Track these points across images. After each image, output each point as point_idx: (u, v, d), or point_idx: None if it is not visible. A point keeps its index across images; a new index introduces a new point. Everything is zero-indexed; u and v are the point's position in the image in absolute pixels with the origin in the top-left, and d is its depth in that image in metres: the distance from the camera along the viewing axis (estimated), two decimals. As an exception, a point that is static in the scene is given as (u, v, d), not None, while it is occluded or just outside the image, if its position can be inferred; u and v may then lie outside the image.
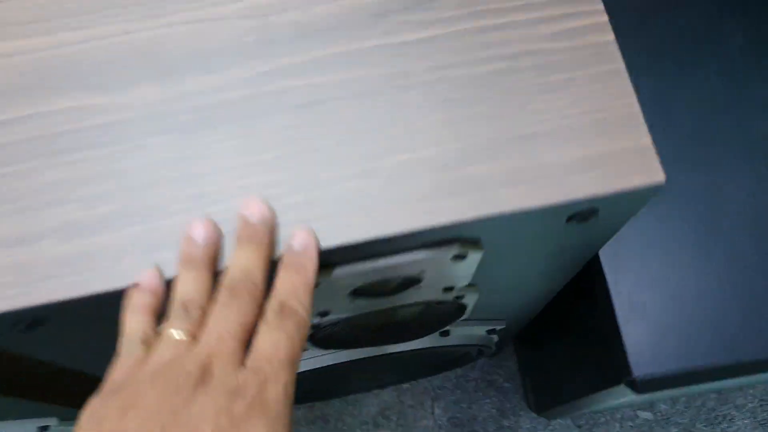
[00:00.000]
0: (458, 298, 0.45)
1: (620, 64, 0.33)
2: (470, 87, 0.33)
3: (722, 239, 0.49)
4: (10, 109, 0.33)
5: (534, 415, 0.82)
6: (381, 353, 0.56)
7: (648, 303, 0.48)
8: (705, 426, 0.82)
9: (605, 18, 0.34)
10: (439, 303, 0.46)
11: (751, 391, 0.82)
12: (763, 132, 0.51)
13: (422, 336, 0.54)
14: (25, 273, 0.30)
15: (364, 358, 0.56)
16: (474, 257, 0.35)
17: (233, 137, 0.32)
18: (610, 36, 0.34)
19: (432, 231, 0.31)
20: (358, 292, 0.38)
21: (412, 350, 0.57)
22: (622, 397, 0.54)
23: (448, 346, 0.59)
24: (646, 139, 0.32)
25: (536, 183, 0.31)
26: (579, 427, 0.82)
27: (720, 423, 0.82)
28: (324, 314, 0.42)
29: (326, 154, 0.32)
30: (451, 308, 0.48)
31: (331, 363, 0.56)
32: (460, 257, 0.35)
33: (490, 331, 0.61)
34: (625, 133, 0.32)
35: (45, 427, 0.59)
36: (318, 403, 0.83)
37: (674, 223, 0.49)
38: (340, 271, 0.34)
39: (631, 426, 0.82)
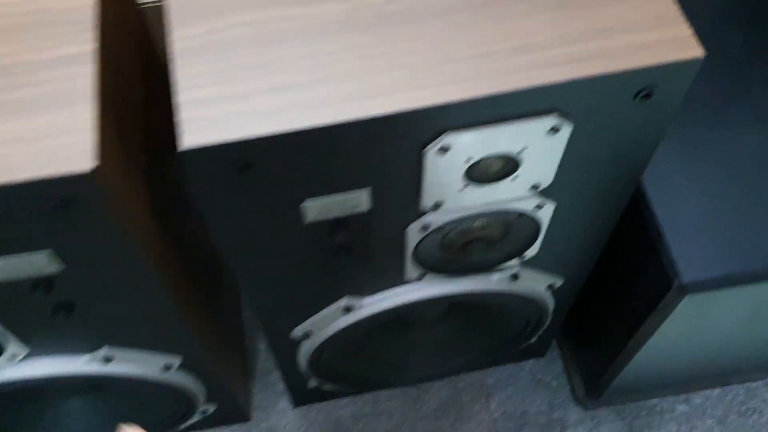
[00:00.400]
0: (538, 207, 0.56)
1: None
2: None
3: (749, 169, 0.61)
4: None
5: (581, 408, 0.90)
6: (454, 291, 0.66)
7: (690, 218, 0.59)
8: (738, 417, 0.89)
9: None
10: (520, 216, 0.57)
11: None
12: None
13: (501, 260, 0.64)
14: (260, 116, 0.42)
15: (436, 298, 0.66)
16: (565, 131, 0.47)
17: (403, 36, 0.46)
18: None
19: (540, 91, 0.44)
20: (468, 175, 0.50)
21: (483, 291, 0.67)
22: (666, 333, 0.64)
23: (514, 295, 0.69)
24: (686, 31, 0.45)
25: (614, 57, 0.44)
26: (623, 419, 0.89)
27: (751, 415, 0.89)
28: (437, 206, 0.53)
29: (460, 43, 0.45)
30: (527, 228, 0.59)
31: (408, 301, 0.66)
32: (555, 130, 0.47)
33: (549, 287, 0.71)
34: (669, 27, 0.45)
35: (168, 366, 0.68)
36: (384, 398, 0.91)
37: (707, 155, 0.62)
38: (458, 137, 0.46)
39: (669, 418, 0.89)
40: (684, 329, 0.66)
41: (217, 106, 0.43)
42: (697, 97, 0.65)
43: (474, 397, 0.91)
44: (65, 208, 0.43)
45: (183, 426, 0.83)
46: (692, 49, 0.44)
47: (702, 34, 0.68)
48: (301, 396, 0.87)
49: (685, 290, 0.58)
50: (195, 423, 0.84)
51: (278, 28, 0.46)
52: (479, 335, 0.81)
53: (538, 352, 0.92)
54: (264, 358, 0.93)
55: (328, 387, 0.84)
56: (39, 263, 0.49)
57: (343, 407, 0.90)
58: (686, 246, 0.58)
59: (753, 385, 0.91)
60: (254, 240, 0.53)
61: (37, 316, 0.55)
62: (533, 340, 0.84)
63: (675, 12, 0.46)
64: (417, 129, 0.45)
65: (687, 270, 0.58)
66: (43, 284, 0.51)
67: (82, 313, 0.56)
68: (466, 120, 0.45)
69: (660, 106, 0.48)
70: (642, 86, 0.46)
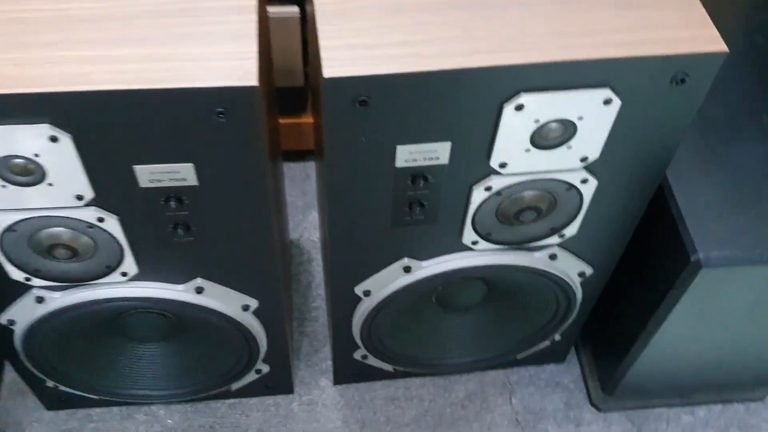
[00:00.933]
0: (584, 181, 0.68)
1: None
2: None
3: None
4: None
5: (595, 410, 0.98)
6: (501, 262, 0.76)
7: (706, 204, 0.71)
8: (738, 430, 0.98)
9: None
10: (568, 189, 0.68)
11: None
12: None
13: (545, 235, 0.75)
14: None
15: (485, 266, 0.77)
16: (615, 105, 0.59)
17: (494, 16, 0.58)
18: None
19: (598, 64, 0.56)
20: (532, 139, 0.62)
21: (525, 266, 0.77)
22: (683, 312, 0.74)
23: (549, 276, 0.79)
24: (714, 32, 0.58)
25: (657, 45, 0.57)
26: (632, 422, 0.98)
27: (750, 429, 0.98)
28: (503, 166, 0.65)
29: (538, 24, 0.58)
30: (572, 202, 0.70)
31: (460, 267, 0.76)
32: (607, 102, 0.59)
33: (581, 275, 0.82)
34: (702, 28, 0.58)
35: (246, 307, 0.78)
36: (416, 385, 0.99)
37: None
38: (532, 97, 0.58)
39: (675, 425, 0.98)
40: (698, 309, 0.76)
41: (347, 51, 0.55)
42: (716, 103, 0.78)
43: (498, 391, 0.99)
44: (226, 116, 0.55)
45: (238, 385, 0.92)
46: (718, 45, 0.57)
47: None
48: (343, 372, 0.96)
49: (700, 265, 0.69)
50: (245, 387, 0.93)
51: (400, 3, 0.59)
52: (512, 324, 0.91)
53: (558, 356, 1.01)
54: (307, 341, 1.03)
55: (371, 361, 0.93)
56: (181, 175, 0.60)
57: (378, 389, 0.99)
58: (703, 227, 0.70)
59: (753, 405, 1.00)
60: (355, 179, 0.64)
61: (157, 231, 0.66)
62: (558, 336, 0.93)
63: (707, 19, 0.59)
64: (499, 84, 0.57)
65: (703, 247, 0.69)
66: (176, 197, 0.62)
67: (195, 237, 0.67)
68: (539, 83, 0.57)
69: (690, 92, 0.60)
70: (677, 71, 0.58)
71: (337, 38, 0.56)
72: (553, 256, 0.78)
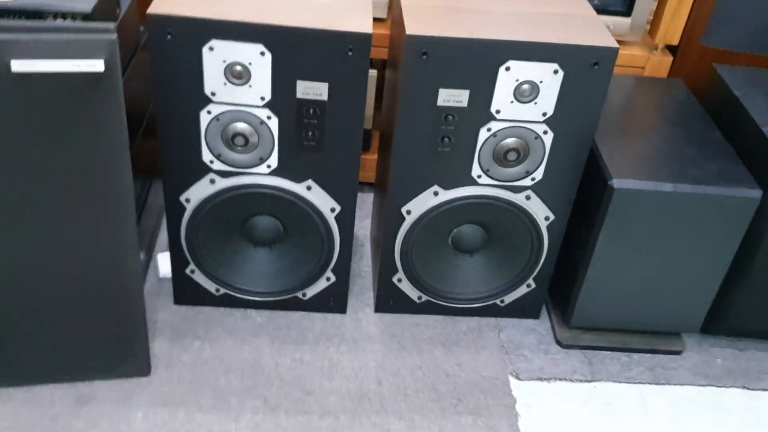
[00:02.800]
0: (545, 132, 1.16)
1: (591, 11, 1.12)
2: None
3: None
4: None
5: (560, 347, 1.37)
6: (496, 194, 1.22)
7: (622, 154, 1.18)
8: (663, 370, 1.35)
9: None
10: (536, 138, 1.16)
11: None
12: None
13: (523, 175, 1.21)
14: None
15: (486, 196, 1.22)
16: (560, 74, 1.09)
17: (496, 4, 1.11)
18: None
19: (551, 46, 1.07)
20: (515, 94, 1.11)
21: (510, 200, 1.22)
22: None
23: (526, 212, 1.24)
24: (611, 40, 1.09)
25: (582, 40, 1.08)
26: (585, 356, 1.36)
27: (670, 368, 1.35)
28: (497, 112, 1.14)
29: (518, 22, 1.10)
30: (539, 150, 1.18)
31: (470, 194, 1.22)
32: (556, 72, 1.09)
33: (546, 219, 1.26)
34: (604, 34, 1.10)
35: (333, 209, 1.23)
36: (431, 318, 1.40)
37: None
38: (515, 63, 1.08)
39: (616, 361, 1.35)
40: (618, 232, 1.19)
41: (418, 25, 1.07)
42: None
43: (490, 329, 1.39)
44: (352, 52, 1.06)
45: (311, 292, 1.34)
46: (614, 44, 1.08)
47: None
48: (383, 299, 1.37)
49: (613, 188, 1.15)
50: (315, 297, 1.34)
51: (449, 6, 1.12)
52: (502, 265, 1.34)
53: (534, 312, 1.42)
54: (357, 286, 1.44)
55: (404, 286, 1.35)
56: (319, 91, 1.10)
57: (406, 318, 1.39)
58: (617, 165, 1.16)
59: (674, 357, 1.38)
60: (414, 112, 1.13)
61: (297, 133, 1.14)
62: (532, 281, 1.35)
63: (608, 33, 1.11)
64: (498, 52, 1.08)
65: (617, 175, 1.15)
66: (313, 108, 1.11)
67: (316, 142, 1.15)
68: (520, 55, 1.08)
69: (602, 72, 1.10)
70: (595, 59, 1.09)
71: (414, 19, 1.09)
72: (528, 197, 1.24)
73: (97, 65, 0.92)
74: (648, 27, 1.56)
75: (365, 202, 1.68)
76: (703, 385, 1.33)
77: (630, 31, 1.51)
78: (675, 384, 1.33)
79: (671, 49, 1.57)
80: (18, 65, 0.88)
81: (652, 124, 1.31)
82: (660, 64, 1.53)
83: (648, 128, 1.29)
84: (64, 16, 1.00)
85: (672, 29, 1.49)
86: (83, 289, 1.09)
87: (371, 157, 1.65)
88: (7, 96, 0.91)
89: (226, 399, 1.20)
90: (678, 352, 1.38)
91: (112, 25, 0.94)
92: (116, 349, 1.18)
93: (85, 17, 1.00)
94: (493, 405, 1.24)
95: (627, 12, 1.49)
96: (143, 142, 1.36)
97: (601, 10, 1.49)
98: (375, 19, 1.47)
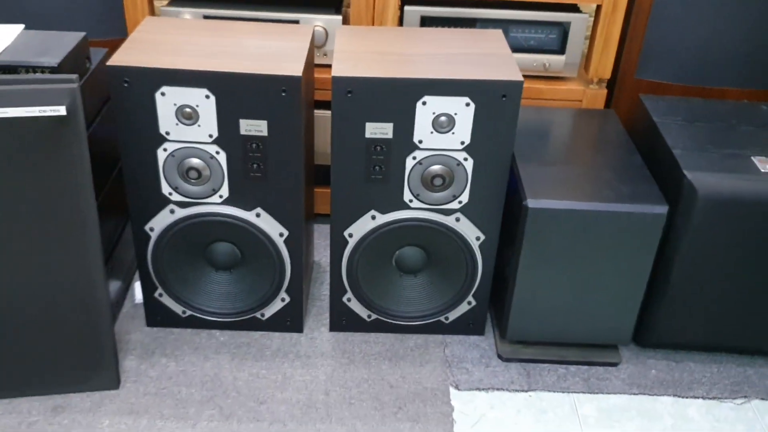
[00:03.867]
0: (465, 159, 1.28)
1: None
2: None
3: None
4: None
5: (500, 360, 1.47)
6: (427, 217, 1.34)
7: (540, 178, 1.30)
8: (596, 380, 1.44)
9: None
10: (458, 164, 1.29)
11: None
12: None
13: (450, 199, 1.33)
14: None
15: (419, 219, 1.35)
16: (472, 107, 1.23)
17: (424, 45, 1.26)
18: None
19: (461, 82, 1.21)
20: (433, 125, 1.25)
21: (439, 222, 1.35)
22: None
23: (457, 233, 1.36)
24: (517, 74, 1.23)
25: (490, 74, 1.22)
26: (524, 368, 1.45)
27: (604, 381, 1.44)
28: (420, 142, 1.27)
29: (436, 63, 1.24)
30: (462, 175, 1.30)
31: (404, 217, 1.34)
32: (468, 104, 1.23)
33: (477, 239, 1.38)
34: (512, 68, 1.23)
35: (282, 234, 1.36)
36: (381, 337, 1.51)
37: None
38: (432, 99, 1.22)
39: (553, 373, 1.45)
40: (538, 248, 1.31)
41: (344, 66, 1.22)
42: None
43: (436, 345, 1.50)
44: (286, 93, 1.20)
45: (268, 312, 1.46)
46: (520, 77, 1.22)
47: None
48: (336, 319, 1.49)
49: (527, 207, 1.27)
50: (272, 318, 1.47)
51: (373, 51, 1.27)
52: (441, 284, 1.45)
53: (478, 328, 1.52)
54: (315, 309, 1.57)
55: (353, 305, 1.47)
56: (260, 128, 1.25)
57: (357, 336, 1.51)
58: (533, 187, 1.29)
59: (611, 368, 1.47)
60: (345, 145, 1.27)
61: (243, 166, 1.28)
62: (471, 299, 1.46)
63: (516, 68, 1.24)
64: (415, 89, 1.22)
65: (531, 195, 1.27)
66: (256, 142, 1.26)
67: (261, 173, 1.29)
68: (435, 91, 1.22)
69: (511, 103, 1.23)
70: (503, 92, 1.22)
71: (341, 63, 1.23)
72: (458, 219, 1.36)
73: (60, 110, 1.08)
74: (582, 63, 1.70)
75: (326, 231, 1.81)
76: (634, 394, 1.42)
77: (564, 68, 1.64)
78: (607, 393, 1.41)
79: (612, 82, 1.70)
80: (-11, 111, 1.04)
81: (577, 150, 1.43)
82: (596, 98, 1.65)
83: (572, 154, 1.41)
84: (34, 69, 1.16)
85: (603, 64, 1.62)
86: (57, 313, 1.24)
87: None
88: (-21, 137, 1.07)
89: (186, 408, 1.32)
90: (614, 364, 1.47)
91: (74, 77, 1.10)
92: (88, 365, 1.31)
93: (53, 70, 1.17)
94: (432, 413, 1.34)
95: (561, 50, 1.63)
96: (118, 182, 1.51)
97: (537, 50, 1.63)
98: (323, 65, 1.63)
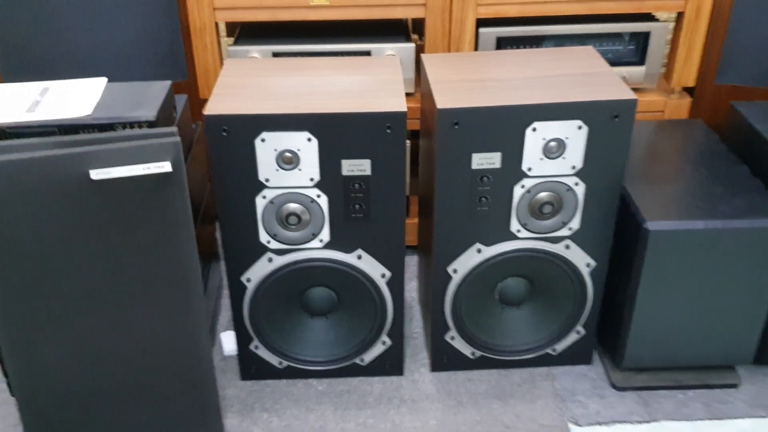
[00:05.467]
0: (576, 184, 1.23)
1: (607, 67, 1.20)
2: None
3: (677, 189, 1.27)
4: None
5: (614, 390, 1.40)
6: (536, 246, 1.28)
7: (652, 197, 1.24)
8: (718, 404, 1.37)
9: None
10: (567, 190, 1.23)
11: None
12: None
13: (559, 226, 1.27)
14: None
15: (527, 249, 1.29)
16: (584, 130, 1.17)
17: (525, 70, 1.20)
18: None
19: (573, 104, 1.15)
20: (544, 151, 1.19)
21: (548, 250, 1.29)
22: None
23: (567, 261, 1.30)
24: (628, 92, 1.17)
25: (603, 95, 1.16)
26: (640, 397, 1.39)
27: (727, 405, 1.37)
28: (529, 169, 1.21)
29: (541, 88, 1.19)
30: (573, 201, 1.24)
31: (512, 249, 1.28)
32: (580, 127, 1.17)
33: (588, 265, 1.32)
34: (623, 89, 1.18)
35: (384, 275, 1.30)
36: (485, 373, 1.44)
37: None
38: (541, 124, 1.16)
39: (671, 399, 1.38)
40: (658, 273, 1.24)
41: (448, 97, 1.16)
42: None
43: (543, 378, 1.43)
44: (390, 129, 1.15)
45: (369, 356, 1.40)
46: (632, 96, 1.16)
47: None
48: (437, 358, 1.43)
49: (648, 230, 1.21)
50: (372, 363, 1.40)
51: (478, 81, 1.21)
52: (548, 314, 1.39)
53: (586, 357, 1.46)
54: (410, 348, 1.50)
55: (456, 343, 1.40)
56: (363, 167, 1.19)
57: (460, 374, 1.44)
58: (650, 208, 1.23)
59: (730, 390, 1.41)
60: (451, 177, 1.21)
61: (345, 207, 1.22)
62: (581, 328, 1.40)
63: (624, 85, 1.19)
64: (524, 116, 1.16)
65: (651, 217, 1.21)
66: (358, 182, 1.20)
67: (363, 213, 1.23)
68: (545, 116, 1.16)
69: (623, 124, 1.18)
70: (615, 112, 1.17)
71: (443, 94, 1.18)
72: (567, 246, 1.30)
73: (165, 166, 1.02)
74: (663, 72, 1.64)
75: (409, 265, 1.75)
76: (762, 417, 1.35)
77: (645, 79, 1.59)
78: (733, 417, 1.35)
79: (689, 90, 1.64)
80: (96, 174, 0.99)
81: (678, 165, 1.37)
82: (679, 107, 1.60)
83: (675, 170, 1.36)
84: (131, 125, 1.11)
85: (687, 72, 1.57)
86: (159, 370, 1.17)
87: (411, 222, 1.72)
88: (87, 200, 1.01)
89: (299, 466, 1.25)
90: (734, 386, 1.41)
91: (174, 129, 1.04)
92: (193, 426, 1.25)
93: (150, 124, 1.11)
94: (556, 451, 1.28)
95: (641, 61, 1.58)
96: (201, 228, 1.46)
97: (615, 63, 1.57)
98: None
